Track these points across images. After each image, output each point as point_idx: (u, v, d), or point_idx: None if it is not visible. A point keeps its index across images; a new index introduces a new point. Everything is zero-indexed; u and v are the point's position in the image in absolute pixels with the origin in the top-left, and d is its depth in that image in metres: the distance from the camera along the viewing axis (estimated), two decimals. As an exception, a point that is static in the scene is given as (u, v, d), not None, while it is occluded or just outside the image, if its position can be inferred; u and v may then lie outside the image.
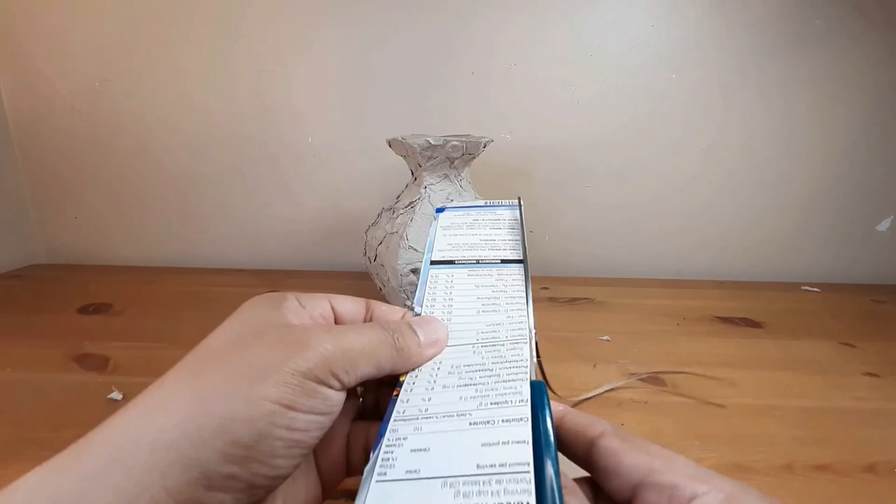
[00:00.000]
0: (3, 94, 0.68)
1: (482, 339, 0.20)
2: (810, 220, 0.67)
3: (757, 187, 0.66)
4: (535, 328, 0.20)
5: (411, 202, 0.46)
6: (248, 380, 0.14)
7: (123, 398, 0.35)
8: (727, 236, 0.68)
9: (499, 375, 0.17)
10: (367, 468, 0.15)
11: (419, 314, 0.21)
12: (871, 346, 0.46)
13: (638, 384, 0.38)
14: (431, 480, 0.14)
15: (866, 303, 0.59)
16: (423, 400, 0.17)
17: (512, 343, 0.19)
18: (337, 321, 0.19)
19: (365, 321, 0.20)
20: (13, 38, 0.65)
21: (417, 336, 0.18)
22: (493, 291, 0.21)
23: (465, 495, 0.13)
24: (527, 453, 0.14)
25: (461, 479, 0.14)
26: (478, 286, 0.22)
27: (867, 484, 0.28)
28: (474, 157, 0.47)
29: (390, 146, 0.48)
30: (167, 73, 0.66)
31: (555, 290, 0.61)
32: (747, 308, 0.55)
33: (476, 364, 0.18)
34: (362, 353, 0.16)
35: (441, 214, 0.25)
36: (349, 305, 0.19)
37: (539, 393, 0.17)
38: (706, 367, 0.41)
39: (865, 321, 0.53)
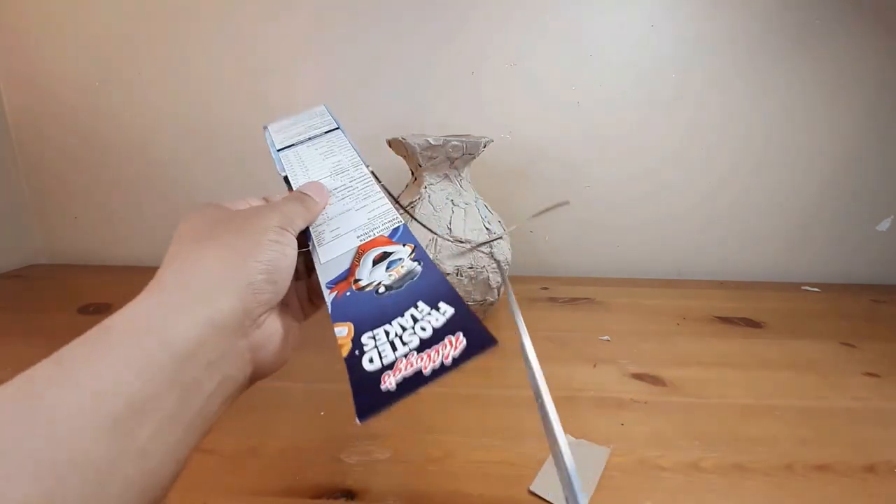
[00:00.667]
0: (3, 94, 0.68)
1: (333, 170, 0.29)
2: (810, 220, 0.67)
3: (757, 188, 0.66)
4: (367, 162, 0.29)
5: (411, 202, 0.46)
6: (249, 234, 0.21)
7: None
8: (727, 236, 0.68)
9: (357, 187, 0.28)
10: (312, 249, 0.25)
11: (285, 175, 0.29)
12: (871, 346, 0.46)
13: (638, 383, 0.38)
14: (347, 233, 0.26)
15: (866, 303, 0.59)
16: (324, 214, 0.27)
17: (354, 167, 0.29)
18: None
19: None
20: (13, 38, 0.65)
21: (311, 196, 0.26)
22: (328, 147, 0.30)
23: (365, 233, 0.25)
24: (389, 209, 0.26)
25: (361, 226, 0.26)
26: (316, 149, 0.30)
27: (867, 484, 0.28)
28: (474, 157, 0.47)
29: (390, 146, 0.48)
30: (167, 73, 0.66)
31: (555, 290, 0.61)
32: (747, 308, 0.55)
33: (340, 186, 0.28)
34: (293, 212, 0.24)
35: (270, 126, 0.33)
36: (257, 202, 0.27)
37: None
38: (706, 367, 0.41)
39: (865, 321, 0.53)
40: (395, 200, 0.28)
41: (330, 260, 0.25)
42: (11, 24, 0.65)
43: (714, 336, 0.48)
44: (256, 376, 0.22)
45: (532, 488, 0.27)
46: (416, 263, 0.24)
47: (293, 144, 0.31)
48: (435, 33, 0.63)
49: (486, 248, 0.44)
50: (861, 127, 0.63)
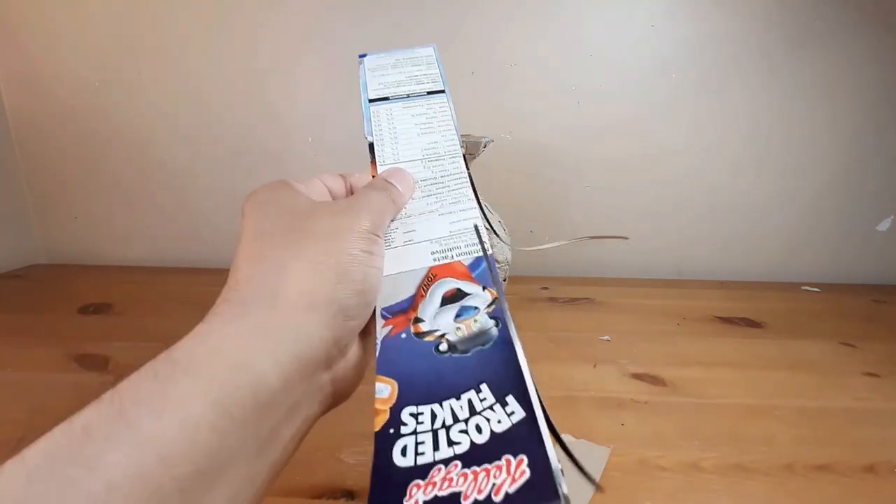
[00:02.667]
0: (3, 94, 0.68)
1: (426, 154, 0.25)
2: (810, 220, 0.67)
3: (757, 187, 0.66)
4: (464, 147, 0.25)
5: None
6: (339, 242, 0.18)
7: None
8: (727, 236, 0.68)
9: (448, 186, 0.23)
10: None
11: (371, 142, 0.25)
12: (871, 346, 0.46)
13: (637, 383, 0.38)
14: (421, 243, 0.21)
15: (866, 303, 0.59)
16: (403, 210, 0.23)
17: (450, 158, 0.25)
18: (331, 195, 0.24)
19: (346, 190, 0.25)
20: (13, 38, 0.65)
21: (397, 187, 0.22)
22: (427, 118, 0.26)
23: (441, 251, 0.21)
24: (477, 219, 0.22)
25: (440, 239, 0.21)
26: (413, 115, 0.26)
27: (867, 484, 0.28)
28: (474, 157, 0.47)
29: (390, 146, 0.48)
30: (167, 73, 0.66)
31: (555, 290, 0.61)
32: (747, 308, 0.55)
33: (429, 179, 0.24)
34: (382, 210, 0.21)
35: (365, 59, 0.28)
36: (333, 181, 0.25)
37: None
38: (706, 367, 0.41)
39: (865, 321, 0.53)
40: (482, 209, 0.23)
41: (394, 274, 0.20)
42: (11, 24, 0.65)
43: (714, 336, 0.48)
44: (332, 407, 0.19)
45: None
46: (492, 323, 0.18)
47: (388, 98, 0.26)
48: (435, 33, 0.63)
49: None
50: (861, 127, 0.63)
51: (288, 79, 0.65)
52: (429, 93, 0.26)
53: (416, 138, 0.25)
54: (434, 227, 0.22)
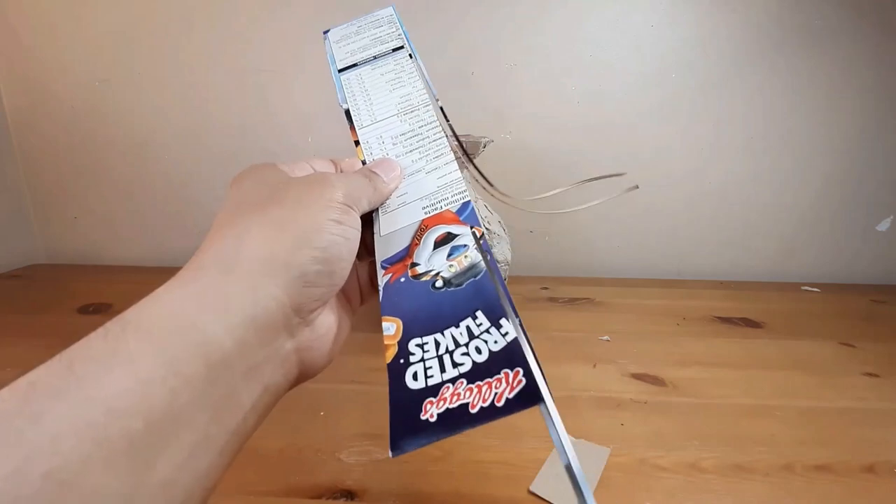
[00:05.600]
0: (3, 94, 0.68)
1: (401, 109, 0.25)
2: (810, 220, 0.67)
3: (757, 187, 0.66)
4: (436, 95, 0.26)
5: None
6: (305, 208, 0.18)
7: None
8: (727, 236, 0.68)
9: (427, 136, 0.24)
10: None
11: (347, 108, 0.26)
12: (871, 346, 0.46)
13: (636, 383, 0.38)
14: (414, 202, 0.23)
15: (866, 303, 0.59)
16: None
17: (424, 106, 0.25)
18: None
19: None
20: (13, 38, 0.65)
21: (380, 176, 0.23)
22: (395, 74, 0.26)
23: (432, 205, 0.22)
24: (459, 178, 0.23)
25: (430, 194, 0.23)
26: (382, 74, 0.26)
27: (867, 484, 0.28)
28: (474, 157, 0.47)
29: (390, 146, 0.48)
30: (167, 72, 0.66)
31: (555, 290, 0.61)
32: (747, 308, 0.55)
33: (408, 132, 0.25)
34: (359, 187, 0.21)
35: (329, 33, 0.29)
36: (322, 164, 0.25)
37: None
38: (706, 367, 0.41)
39: (865, 321, 0.53)
40: (465, 152, 0.26)
41: (391, 232, 0.22)
42: (11, 24, 0.65)
43: (714, 336, 0.48)
44: (300, 380, 0.19)
45: (532, 488, 0.27)
46: (481, 257, 0.20)
47: (356, 64, 0.27)
48: (435, 33, 0.63)
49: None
50: (861, 126, 0.63)
51: (287, 79, 0.65)
52: (394, 50, 0.27)
53: (388, 95, 0.26)
54: (423, 185, 0.23)
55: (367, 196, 0.21)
